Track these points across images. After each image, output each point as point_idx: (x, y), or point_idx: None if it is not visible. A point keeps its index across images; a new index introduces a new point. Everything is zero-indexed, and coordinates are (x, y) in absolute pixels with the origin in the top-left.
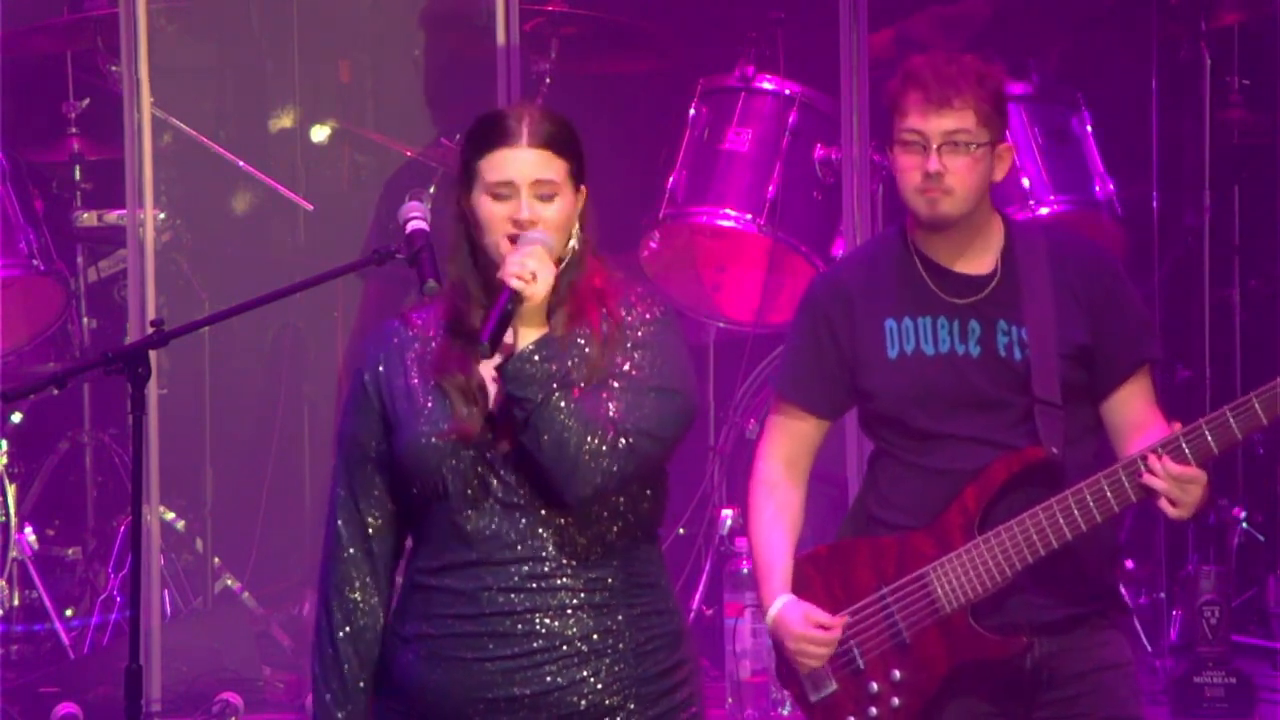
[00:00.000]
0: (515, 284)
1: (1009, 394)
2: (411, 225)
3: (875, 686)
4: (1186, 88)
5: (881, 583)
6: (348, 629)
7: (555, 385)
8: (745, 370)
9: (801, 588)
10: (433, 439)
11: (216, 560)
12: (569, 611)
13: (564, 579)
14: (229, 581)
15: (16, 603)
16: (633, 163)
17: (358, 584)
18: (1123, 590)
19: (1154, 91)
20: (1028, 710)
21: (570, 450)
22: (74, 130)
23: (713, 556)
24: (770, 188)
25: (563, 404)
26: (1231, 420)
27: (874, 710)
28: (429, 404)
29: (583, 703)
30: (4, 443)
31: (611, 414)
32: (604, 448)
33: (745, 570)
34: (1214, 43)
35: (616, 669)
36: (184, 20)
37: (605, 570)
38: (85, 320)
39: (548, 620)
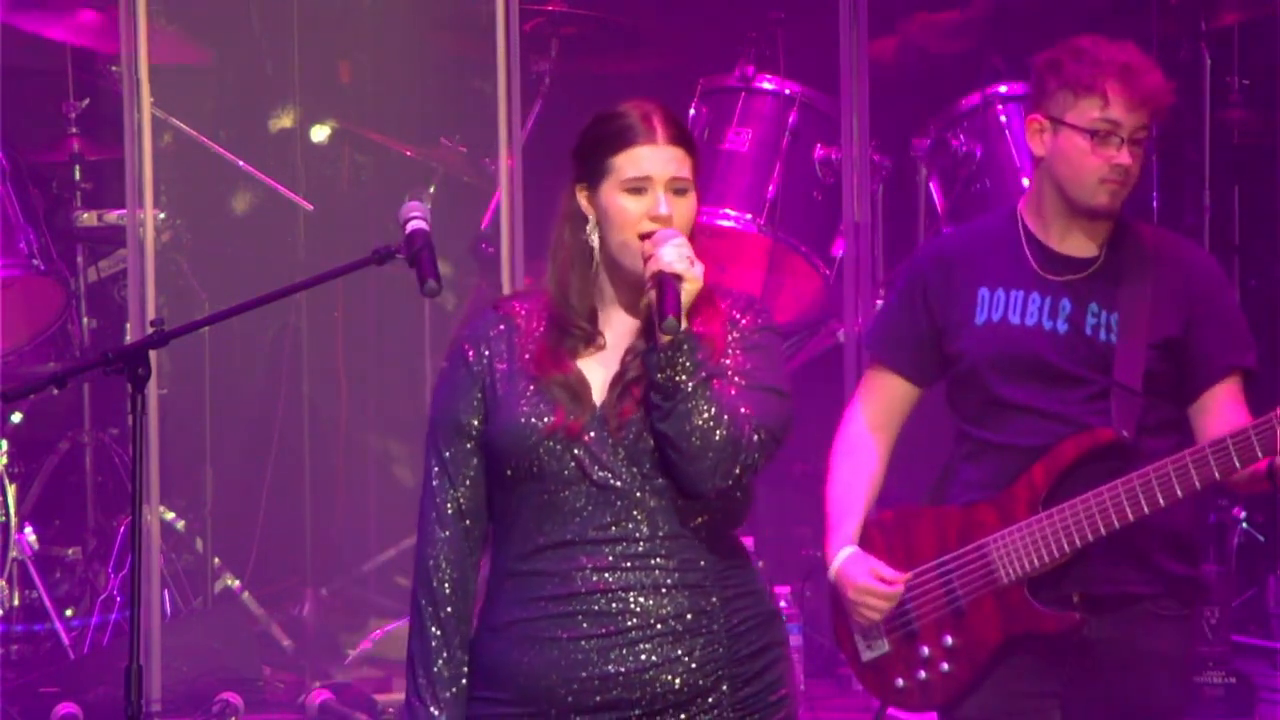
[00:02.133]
0: (680, 267)
1: (1088, 372)
2: (411, 225)
3: (927, 651)
4: (1186, 88)
5: (943, 550)
6: (448, 609)
7: (706, 375)
8: None
9: (865, 549)
10: (533, 419)
11: (216, 560)
12: (663, 590)
13: (658, 559)
14: (229, 581)
15: (16, 603)
16: None
17: (452, 568)
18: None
19: None
20: (1068, 691)
21: (715, 440)
22: (74, 130)
23: None
24: (770, 188)
25: (709, 393)
26: None
27: (923, 674)
28: (530, 388)
29: (677, 681)
30: (4, 443)
31: (746, 412)
32: (743, 440)
33: None
34: (1214, 43)
35: (711, 649)
36: (184, 20)
37: (697, 552)
38: (85, 320)
39: (642, 599)
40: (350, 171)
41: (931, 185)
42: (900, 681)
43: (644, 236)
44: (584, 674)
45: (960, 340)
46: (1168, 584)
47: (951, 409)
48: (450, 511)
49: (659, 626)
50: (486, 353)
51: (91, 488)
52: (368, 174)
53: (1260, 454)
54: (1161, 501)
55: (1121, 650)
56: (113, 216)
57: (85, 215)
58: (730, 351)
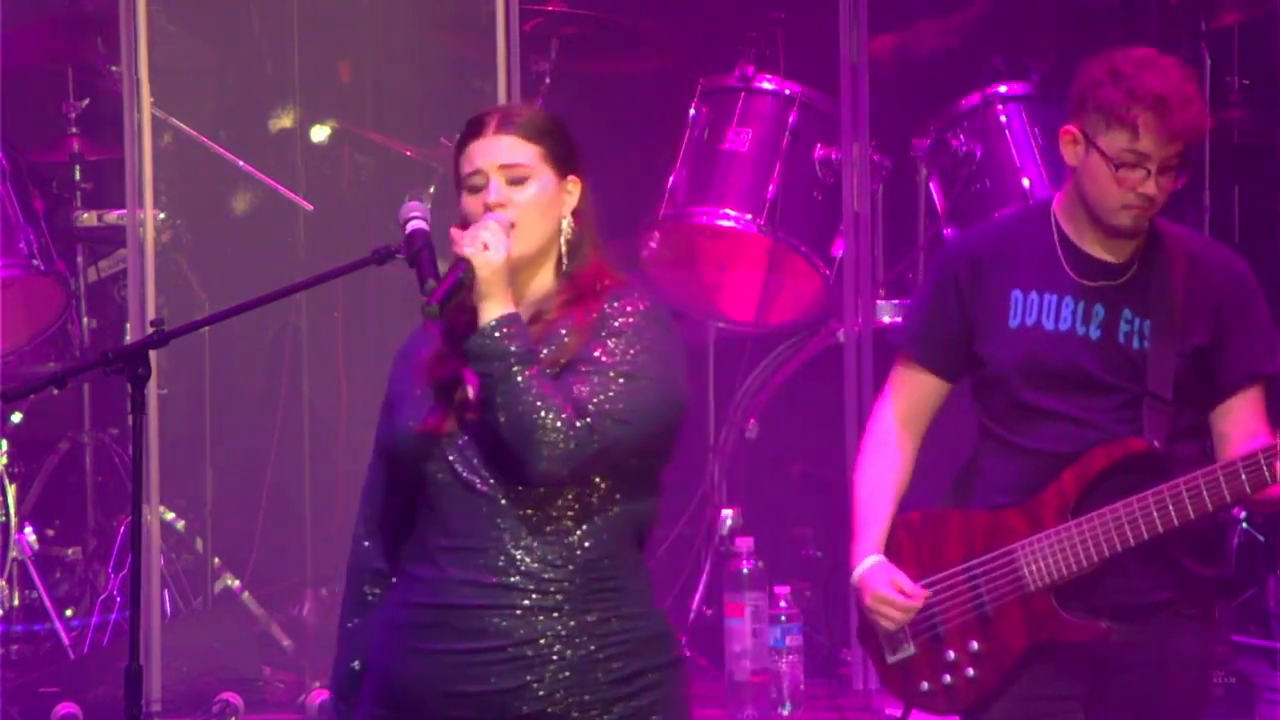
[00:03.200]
0: (467, 251)
1: (1120, 380)
2: (411, 225)
3: (952, 655)
4: None
5: (970, 554)
6: (357, 620)
7: (514, 361)
8: (745, 370)
9: (892, 551)
10: (409, 423)
11: (216, 560)
12: (519, 613)
13: (517, 578)
14: (229, 581)
15: (16, 603)
16: (633, 163)
17: (369, 575)
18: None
19: None
20: (1089, 692)
21: (526, 424)
22: (74, 130)
23: (713, 556)
24: (770, 188)
25: (519, 379)
26: None
27: (948, 678)
28: (417, 394)
29: (525, 707)
30: (4, 443)
31: (574, 395)
32: (559, 424)
33: (745, 570)
34: (1214, 43)
35: (561, 676)
36: (184, 20)
37: (560, 573)
38: (85, 320)
39: (497, 619)
40: (350, 171)
41: (931, 185)
42: (925, 685)
43: None
44: (442, 689)
45: (991, 342)
46: (1191, 586)
47: (977, 405)
48: (372, 522)
49: (510, 650)
50: (399, 367)
51: (91, 488)
52: (368, 174)
53: None
54: (1191, 514)
55: (1144, 653)
56: (113, 216)
57: (85, 215)
58: (589, 341)
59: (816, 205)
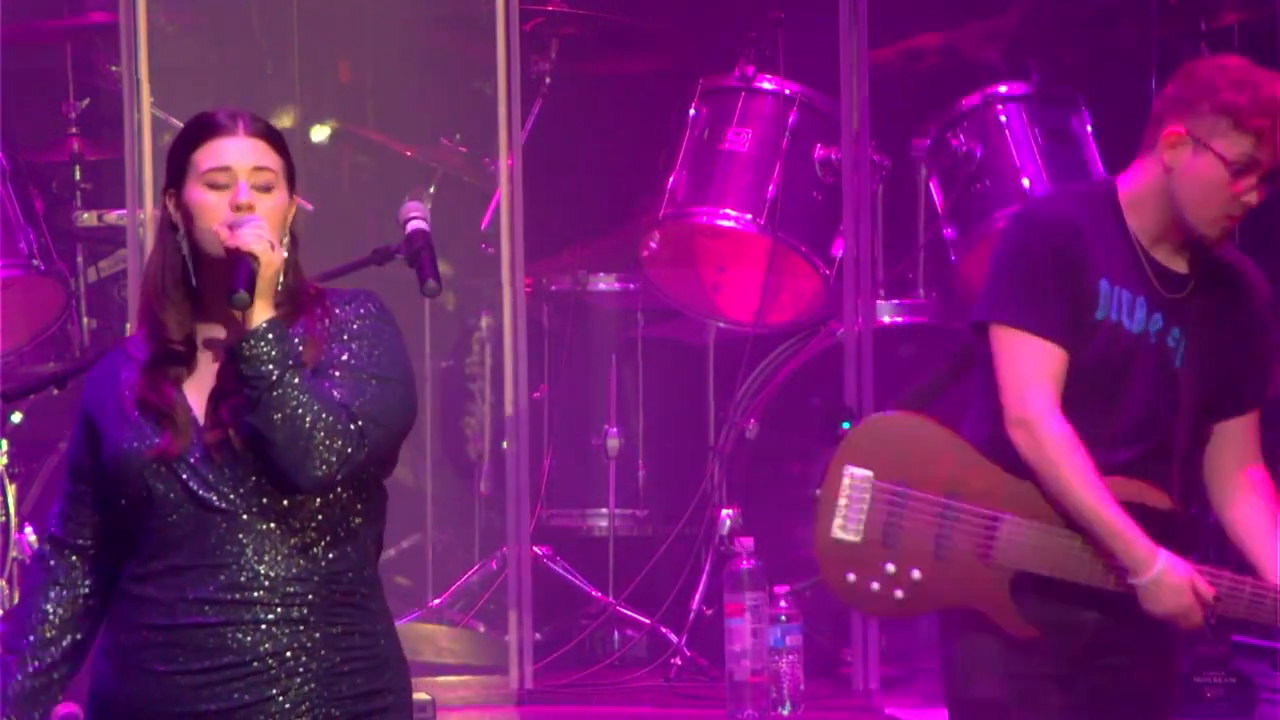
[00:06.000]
0: (257, 247)
1: (1153, 395)
2: (411, 225)
3: (891, 569)
4: None
5: (954, 490)
6: (31, 638)
7: (293, 364)
8: (745, 370)
9: (880, 440)
10: (135, 444)
11: None
12: (263, 627)
13: (260, 592)
14: None
15: (17, 602)
16: (633, 163)
17: (51, 594)
18: None
19: (1154, 91)
20: (1082, 675)
21: (305, 428)
22: (74, 130)
23: (713, 556)
24: (770, 188)
25: (296, 381)
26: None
27: (876, 586)
28: (135, 414)
29: None
30: (4, 443)
31: (339, 398)
32: (339, 426)
33: (745, 570)
34: (1214, 43)
35: (307, 689)
36: (184, 20)
37: (305, 585)
38: (85, 320)
39: (239, 635)
40: (350, 171)
41: (931, 185)
42: (852, 577)
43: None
44: (178, 710)
45: (1079, 329)
46: (1149, 638)
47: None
48: (56, 543)
49: (255, 665)
50: (100, 390)
51: None
52: (368, 174)
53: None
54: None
55: (1142, 639)
56: (113, 216)
57: (85, 215)
58: (328, 345)
59: (816, 205)
